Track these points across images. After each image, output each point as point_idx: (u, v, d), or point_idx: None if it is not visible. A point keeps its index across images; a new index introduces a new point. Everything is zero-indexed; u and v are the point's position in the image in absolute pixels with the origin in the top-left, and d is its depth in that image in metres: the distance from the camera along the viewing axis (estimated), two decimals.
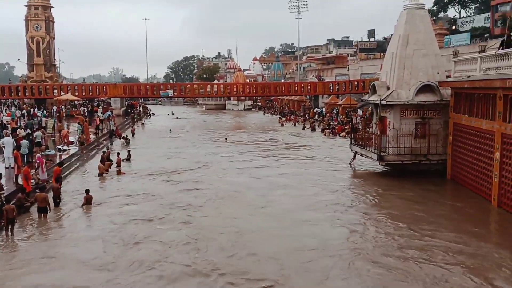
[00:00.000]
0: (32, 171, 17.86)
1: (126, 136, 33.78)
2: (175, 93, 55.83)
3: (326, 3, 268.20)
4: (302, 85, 57.06)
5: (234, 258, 11.42)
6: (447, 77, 21.42)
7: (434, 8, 64.88)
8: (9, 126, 29.21)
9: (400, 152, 20.38)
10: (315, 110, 53.06)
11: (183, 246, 12.12)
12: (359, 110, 46.25)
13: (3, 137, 21.98)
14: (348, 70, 47.92)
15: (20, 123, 33.86)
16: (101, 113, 42.49)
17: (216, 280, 10.22)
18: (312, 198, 17.32)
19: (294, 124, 46.32)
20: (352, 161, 23.71)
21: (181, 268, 10.80)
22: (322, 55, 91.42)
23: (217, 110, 75.19)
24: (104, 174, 20.95)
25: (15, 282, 10.10)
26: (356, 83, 52.03)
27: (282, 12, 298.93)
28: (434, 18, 59.81)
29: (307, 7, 78.10)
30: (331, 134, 37.63)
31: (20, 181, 16.99)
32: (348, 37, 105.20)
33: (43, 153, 22.51)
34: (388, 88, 21.19)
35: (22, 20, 52.18)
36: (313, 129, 41.29)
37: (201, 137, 36.96)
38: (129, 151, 26.04)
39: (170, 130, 39.71)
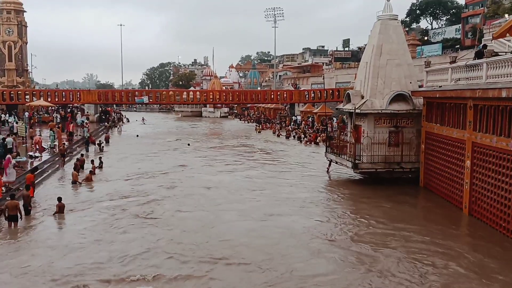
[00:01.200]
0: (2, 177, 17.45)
1: (100, 142, 33.31)
2: (151, 100, 55.27)
3: (302, 12, 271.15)
4: (278, 93, 57.39)
5: (207, 243, 12.88)
6: (420, 86, 21.90)
7: (407, 19, 66.45)
8: None
9: (374, 160, 20.69)
10: (294, 118, 53.39)
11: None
12: (334, 118, 46.80)
13: None
14: (324, 78, 48.40)
15: None
16: (81, 118, 41.85)
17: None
18: (284, 199, 18.09)
19: (274, 132, 46.35)
20: (328, 169, 23.94)
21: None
22: (298, 64, 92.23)
23: (193, 117, 74.82)
24: (78, 182, 20.57)
25: None
26: (331, 91, 52.60)
27: (258, 20, 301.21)
28: (407, 29, 61.23)
29: (283, 16, 78.83)
30: (306, 142, 37.93)
31: None
32: (323, 46, 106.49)
33: (14, 159, 21.96)
34: (363, 97, 21.53)
35: None
36: (288, 137, 41.53)
37: (176, 143, 36.78)
38: (100, 157, 25.67)
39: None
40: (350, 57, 69.74)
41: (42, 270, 10.93)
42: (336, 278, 10.79)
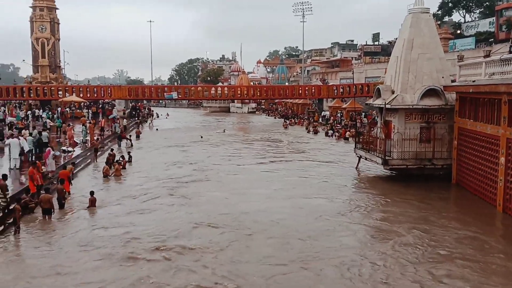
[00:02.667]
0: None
1: (130, 137, 33.89)
2: (180, 96, 56.01)
3: (331, 6, 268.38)
4: (306, 88, 57.07)
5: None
6: (452, 81, 21.39)
7: (439, 12, 64.79)
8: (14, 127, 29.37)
9: (404, 157, 20.34)
10: (322, 114, 53.04)
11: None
12: (363, 113, 46.27)
13: (9, 138, 22.18)
14: (353, 73, 48.04)
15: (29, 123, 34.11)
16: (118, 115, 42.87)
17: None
18: (311, 194, 18.18)
19: (302, 128, 46.25)
20: (357, 165, 23.69)
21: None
22: (327, 59, 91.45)
23: (221, 112, 75.29)
24: (108, 176, 21.01)
25: (19, 282, 10.15)
26: (360, 86, 52.03)
27: (286, 15, 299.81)
28: (439, 22, 59.72)
29: (311, 10, 78.25)
30: (335, 138, 37.63)
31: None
32: (352, 41, 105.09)
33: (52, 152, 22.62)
34: (393, 92, 21.18)
35: (27, 21, 52.44)
36: (316, 132, 41.27)
37: (205, 136, 37.38)
38: (129, 152, 26.16)
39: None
40: (380, 52, 68.66)
41: (77, 258, 11.27)
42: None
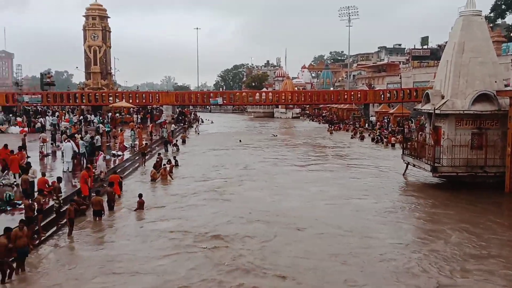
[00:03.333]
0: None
1: (176, 142, 34.59)
2: (225, 101, 56.70)
3: (377, 10, 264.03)
4: (352, 93, 56.30)
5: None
6: (506, 86, 20.50)
7: (492, 14, 62.30)
8: (68, 131, 30.64)
9: (455, 164, 19.65)
10: (370, 119, 52.19)
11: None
12: (411, 119, 45.11)
13: (62, 142, 23.18)
14: (400, 78, 46.98)
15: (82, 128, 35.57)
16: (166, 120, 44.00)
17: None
18: (356, 200, 18.01)
19: (347, 133, 45.76)
20: (405, 172, 23.12)
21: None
22: (373, 63, 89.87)
23: (265, 118, 75.58)
24: (156, 180, 21.52)
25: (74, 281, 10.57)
26: (408, 91, 50.80)
27: (332, 20, 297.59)
28: (491, 25, 57.43)
29: (357, 14, 77.28)
30: (381, 144, 36.91)
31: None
32: (400, 45, 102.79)
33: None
34: (443, 97, 20.54)
35: (81, 30, 54.70)
36: (362, 138, 40.62)
37: (249, 142, 37.73)
38: (174, 157, 26.69)
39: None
40: (429, 56, 66.67)
41: (128, 258, 11.64)
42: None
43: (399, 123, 43.22)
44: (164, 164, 23.57)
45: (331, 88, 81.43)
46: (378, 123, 48.16)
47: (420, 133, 24.31)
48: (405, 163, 23.15)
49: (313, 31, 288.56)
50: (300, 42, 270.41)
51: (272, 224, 14.66)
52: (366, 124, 50.39)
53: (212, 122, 65.45)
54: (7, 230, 10.22)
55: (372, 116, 53.50)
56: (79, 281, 10.51)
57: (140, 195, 16.64)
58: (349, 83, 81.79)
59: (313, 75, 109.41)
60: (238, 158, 29.35)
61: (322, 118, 68.54)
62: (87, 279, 10.64)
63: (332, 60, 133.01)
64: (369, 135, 41.86)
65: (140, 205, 16.31)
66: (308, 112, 79.91)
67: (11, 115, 45.10)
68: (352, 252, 12.23)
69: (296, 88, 74.31)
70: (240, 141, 38.48)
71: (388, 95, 52.86)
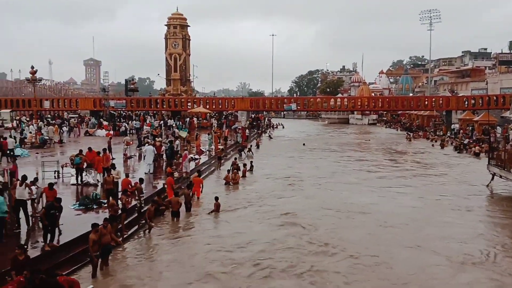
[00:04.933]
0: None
1: (251, 147, 35.02)
2: (299, 107, 56.64)
3: (461, 13, 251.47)
4: (433, 99, 53.89)
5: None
6: None
7: None
8: (149, 135, 32.18)
9: None
10: (452, 127, 49.70)
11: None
12: (498, 127, 42.28)
13: (144, 146, 24.37)
14: (486, 84, 44.21)
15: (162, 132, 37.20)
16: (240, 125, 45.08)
17: None
18: (435, 213, 17.05)
19: (428, 141, 43.98)
20: (490, 183, 21.64)
21: None
22: (456, 68, 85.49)
23: (340, 124, 74.46)
24: (230, 183, 21.91)
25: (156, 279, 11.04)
26: (495, 97, 47.83)
27: (412, 24, 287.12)
28: None
29: (439, 18, 73.88)
30: (465, 153, 34.91)
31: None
32: (485, 49, 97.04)
33: (175, 160, 24.41)
34: None
35: (162, 38, 57.31)
36: (442, 146, 38.68)
37: (322, 148, 37.77)
38: (251, 162, 26.99)
39: (304, 144, 40.65)
40: None
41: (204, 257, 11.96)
42: None
43: (485, 131, 40.65)
44: (239, 168, 23.96)
45: (411, 94, 78.55)
46: (462, 131, 45.62)
47: (507, 142, 22.69)
48: (491, 173, 21.66)
49: (391, 35, 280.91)
50: (377, 47, 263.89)
51: (351, 216, 16.36)
52: (448, 132, 47.94)
53: (283, 127, 65.66)
54: (95, 226, 10.83)
55: (454, 123, 50.87)
56: (156, 276, 10.98)
57: (216, 198, 17.01)
58: (430, 88, 78.34)
59: (391, 80, 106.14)
60: (310, 161, 30.26)
61: (400, 125, 66.26)
62: (164, 274, 11.10)
63: (411, 65, 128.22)
64: (451, 143, 39.79)
65: (217, 207, 16.67)
66: (385, 118, 77.62)
67: (100, 119, 48.17)
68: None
69: (373, 94, 72.49)
70: (304, 144, 39.91)
71: (472, 101, 50.06)
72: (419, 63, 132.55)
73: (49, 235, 11.64)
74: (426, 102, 52.72)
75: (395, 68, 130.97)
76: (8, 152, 23.96)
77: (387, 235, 14.12)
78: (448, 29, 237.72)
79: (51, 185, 13.74)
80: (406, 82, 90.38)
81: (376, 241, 13.53)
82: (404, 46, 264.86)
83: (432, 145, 40.55)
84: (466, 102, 50.37)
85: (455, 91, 66.30)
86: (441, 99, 53.39)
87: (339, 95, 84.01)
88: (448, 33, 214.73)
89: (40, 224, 12.44)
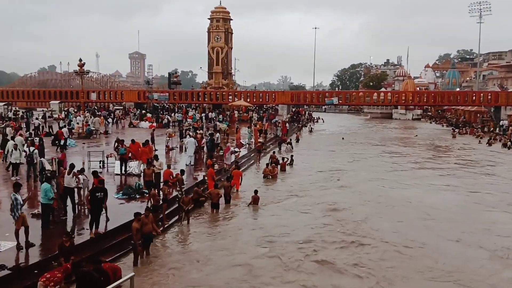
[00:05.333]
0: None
1: (290, 140, 34.92)
2: (340, 101, 55.90)
3: None
4: (482, 94, 51.88)
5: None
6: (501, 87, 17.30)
7: None
8: (191, 128, 32.65)
9: None
10: (501, 123, 47.76)
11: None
12: None
13: (186, 138, 24.76)
14: None
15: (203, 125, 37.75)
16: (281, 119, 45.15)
17: None
18: (482, 199, 17.50)
19: (475, 138, 42.65)
20: None
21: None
22: (507, 62, 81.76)
23: (383, 118, 73.04)
24: (269, 177, 21.95)
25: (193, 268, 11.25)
26: None
27: (460, 16, 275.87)
28: None
29: (490, 10, 70.81)
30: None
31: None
32: None
33: (216, 153, 24.69)
34: None
35: (205, 32, 57.81)
36: (490, 144, 37.24)
37: (357, 143, 37.71)
38: (291, 156, 26.91)
39: (343, 138, 41.39)
40: None
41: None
42: None
43: None
44: (277, 162, 23.96)
45: (458, 89, 75.95)
46: (511, 127, 43.73)
47: None
48: None
49: (438, 29, 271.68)
50: (424, 41, 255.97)
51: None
52: (497, 129, 46.08)
53: (323, 121, 65.07)
54: (137, 215, 11.12)
55: (503, 120, 48.82)
56: (194, 265, 11.18)
57: (256, 191, 17.09)
58: (478, 83, 75.46)
59: (438, 74, 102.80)
60: (350, 155, 30.33)
61: (446, 120, 64.25)
62: (202, 263, 11.32)
63: (459, 59, 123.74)
64: (499, 140, 38.26)
65: (255, 200, 16.76)
66: (430, 113, 75.47)
67: (142, 111, 49.33)
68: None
69: (418, 88, 70.55)
70: (343, 138, 40.54)
71: None
72: (467, 57, 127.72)
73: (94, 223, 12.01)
74: (474, 97, 50.89)
75: (441, 62, 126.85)
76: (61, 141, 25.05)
77: (432, 228, 14.35)
78: (498, 22, 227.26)
79: (95, 173, 14.22)
80: (453, 76, 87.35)
81: (420, 233, 13.76)
82: (452, 39, 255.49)
83: (479, 141, 39.12)
84: None
85: (505, 86, 63.54)
86: (489, 94, 51.33)
87: (383, 89, 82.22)
88: (498, 26, 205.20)
89: (86, 211, 12.93)
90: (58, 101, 51.14)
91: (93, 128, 32.72)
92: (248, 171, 24.31)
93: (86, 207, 12.88)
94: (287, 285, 10.15)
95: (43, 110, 47.85)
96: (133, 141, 20.87)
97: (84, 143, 28.25)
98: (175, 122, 41.50)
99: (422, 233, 13.79)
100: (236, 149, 27.58)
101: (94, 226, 11.87)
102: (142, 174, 18.21)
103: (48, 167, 16.86)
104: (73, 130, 32.12)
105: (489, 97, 50.23)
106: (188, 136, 26.48)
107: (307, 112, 71.19)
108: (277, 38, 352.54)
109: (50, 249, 10.60)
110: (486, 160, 28.85)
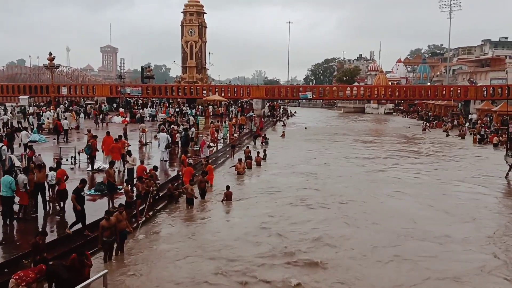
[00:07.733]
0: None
1: (265, 135, 35.02)
2: (314, 95, 56.32)
3: (482, 2, 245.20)
4: (451, 88, 53.13)
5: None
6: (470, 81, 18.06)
7: None
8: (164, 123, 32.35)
9: None
10: (469, 117, 49.02)
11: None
12: None
13: (159, 133, 24.52)
14: (507, 73, 43.34)
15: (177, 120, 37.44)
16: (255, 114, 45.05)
17: None
18: (452, 203, 16.89)
19: (444, 131, 43.55)
20: (508, 174, 21.36)
21: None
22: (476, 57, 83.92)
23: (355, 113, 74.02)
24: (242, 173, 21.89)
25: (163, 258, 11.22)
26: None
27: (431, 11, 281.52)
28: None
29: (460, 6, 72.42)
30: (481, 143, 34.51)
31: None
32: (507, 38, 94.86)
33: (190, 148, 24.55)
34: None
35: (179, 26, 57.24)
36: (462, 137, 38.29)
37: (335, 138, 37.51)
38: (264, 150, 26.99)
39: (306, 128, 44.41)
40: None
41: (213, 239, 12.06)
42: None
43: (504, 122, 40.00)
44: (250, 158, 23.98)
45: (428, 83, 77.52)
46: (480, 121, 44.98)
47: None
48: (508, 164, 21.40)
49: (410, 23, 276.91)
50: (395, 36, 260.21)
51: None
52: (466, 123, 47.32)
53: (295, 114, 67.13)
54: (108, 213, 10.89)
55: (472, 113, 50.14)
56: (168, 261, 11.15)
57: (228, 187, 17.04)
58: (448, 78, 77.16)
59: (409, 69, 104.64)
60: (322, 151, 30.35)
61: (417, 114, 65.54)
62: (175, 258, 11.29)
63: (430, 54, 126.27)
64: (470, 133, 39.41)
65: (228, 196, 16.68)
66: (402, 108, 76.83)
67: (114, 105, 48.57)
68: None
69: (390, 83, 71.69)
70: (305, 128, 43.96)
71: (491, 91, 49.14)
72: (438, 52, 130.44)
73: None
74: (444, 92, 52.05)
75: (413, 57, 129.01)
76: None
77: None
78: (468, 17, 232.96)
79: (58, 164, 14.30)
80: (424, 71, 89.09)
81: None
82: (423, 34, 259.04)
83: (447, 135, 40.09)
84: (485, 92, 49.53)
85: (474, 81, 65.19)
86: (459, 88, 52.61)
87: (356, 84, 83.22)
88: (468, 21, 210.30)
89: (58, 207, 12.83)
90: (27, 96, 49.90)
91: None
92: (223, 166, 24.28)
93: (72, 208, 12.40)
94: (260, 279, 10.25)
95: (11, 105, 46.61)
96: (108, 133, 20.61)
97: (54, 139, 27.62)
98: (149, 117, 41.09)
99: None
100: (212, 144, 27.49)
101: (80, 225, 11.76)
102: (117, 169, 17.85)
103: (17, 163, 16.46)
104: (43, 126, 31.41)
105: (459, 91, 51.45)
106: (162, 131, 26.21)
107: (282, 107, 71.48)
108: (254, 32, 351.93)
109: (20, 246, 10.38)
110: (456, 153, 29.66)
